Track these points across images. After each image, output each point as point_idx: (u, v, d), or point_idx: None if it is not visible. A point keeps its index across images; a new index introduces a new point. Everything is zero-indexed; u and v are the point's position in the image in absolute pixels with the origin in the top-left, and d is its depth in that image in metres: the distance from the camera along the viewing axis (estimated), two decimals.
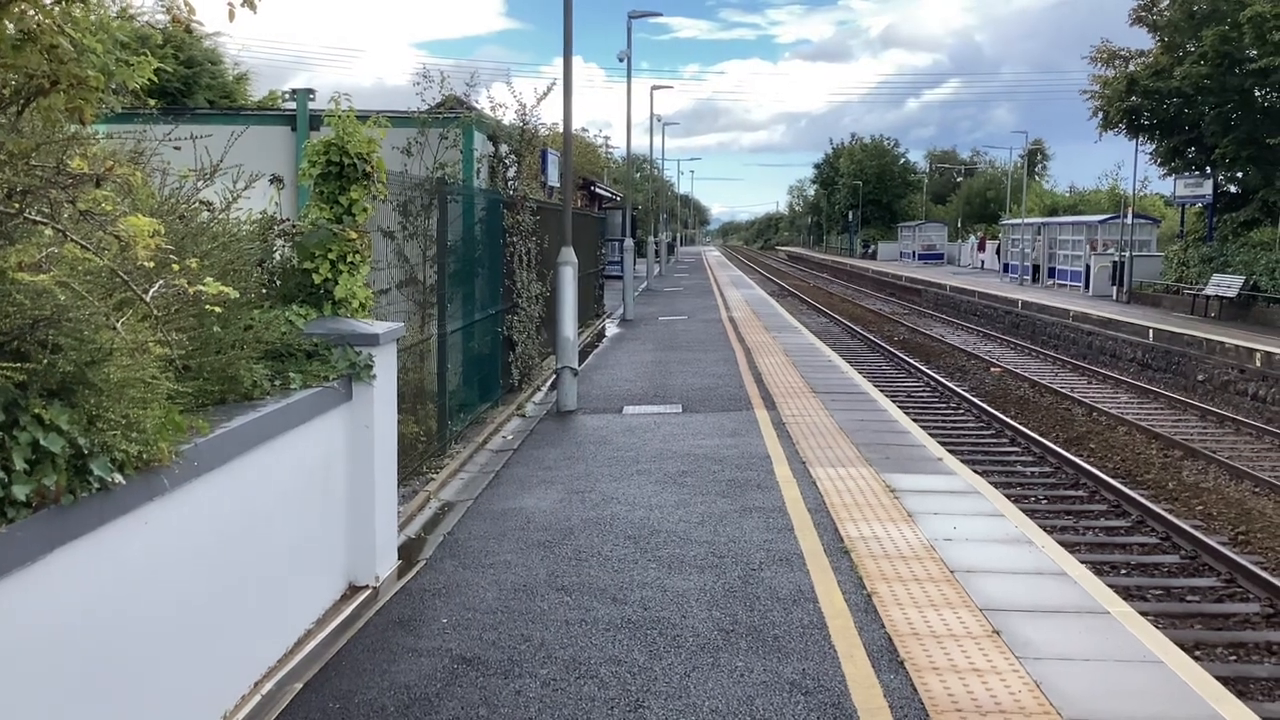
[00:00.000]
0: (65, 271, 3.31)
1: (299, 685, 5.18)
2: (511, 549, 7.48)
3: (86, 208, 3.20)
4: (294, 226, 6.53)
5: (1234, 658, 8.36)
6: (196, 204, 5.36)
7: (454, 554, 7.38)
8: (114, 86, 3.47)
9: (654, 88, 50.99)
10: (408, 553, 7.34)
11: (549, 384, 15.05)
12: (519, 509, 8.56)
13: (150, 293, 3.63)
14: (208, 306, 3.99)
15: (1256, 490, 13.33)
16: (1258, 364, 20.82)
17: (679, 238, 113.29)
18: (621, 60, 32.29)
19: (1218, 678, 5.53)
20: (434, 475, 9.46)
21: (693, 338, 22.85)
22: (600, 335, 23.62)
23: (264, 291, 6.24)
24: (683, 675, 5.33)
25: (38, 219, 3.15)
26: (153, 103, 4.79)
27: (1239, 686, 7.34)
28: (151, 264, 3.55)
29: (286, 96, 17.64)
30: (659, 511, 8.43)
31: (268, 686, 4.97)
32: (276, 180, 6.84)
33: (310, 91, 14.99)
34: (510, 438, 11.70)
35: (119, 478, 3.60)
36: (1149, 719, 4.87)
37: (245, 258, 5.69)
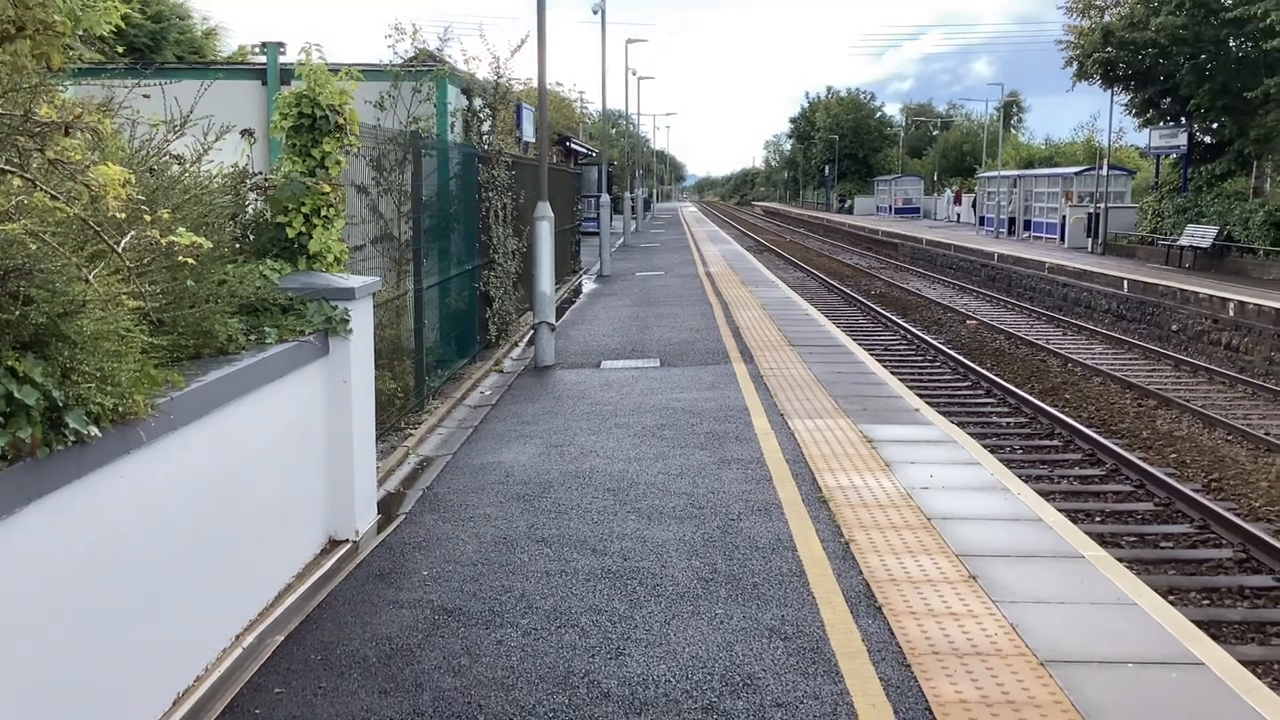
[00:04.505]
0: (35, 222, 3.27)
1: (280, 637, 5.19)
2: (491, 502, 7.49)
3: (55, 156, 3.15)
4: (266, 180, 6.46)
5: (1207, 602, 8.49)
6: (167, 157, 5.29)
7: (433, 508, 7.38)
8: (80, 33, 3.40)
9: (628, 41, 50.06)
10: (387, 507, 7.34)
11: (526, 340, 15.02)
12: (498, 463, 8.56)
13: (122, 244, 3.59)
14: (181, 259, 3.95)
15: (1229, 438, 13.48)
16: (1231, 314, 20.98)
17: (655, 194, 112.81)
18: (596, 12, 32.09)
19: (1191, 621, 5.61)
20: (412, 431, 9.44)
21: (670, 293, 22.82)
22: (577, 291, 23.57)
23: (238, 246, 6.19)
24: (663, 623, 5.37)
25: (6, 168, 3.10)
26: (120, 52, 4.71)
27: (1212, 630, 7.45)
28: (123, 215, 3.50)
29: (256, 50, 17.37)
30: (638, 464, 8.45)
31: (249, 639, 4.98)
32: (248, 134, 6.75)
33: (280, 45, 14.75)
34: (488, 393, 11.68)
35: (95, 431, 3.57)
36: (1124, 659, 4.93)
37: (218, 211, 5.63)
